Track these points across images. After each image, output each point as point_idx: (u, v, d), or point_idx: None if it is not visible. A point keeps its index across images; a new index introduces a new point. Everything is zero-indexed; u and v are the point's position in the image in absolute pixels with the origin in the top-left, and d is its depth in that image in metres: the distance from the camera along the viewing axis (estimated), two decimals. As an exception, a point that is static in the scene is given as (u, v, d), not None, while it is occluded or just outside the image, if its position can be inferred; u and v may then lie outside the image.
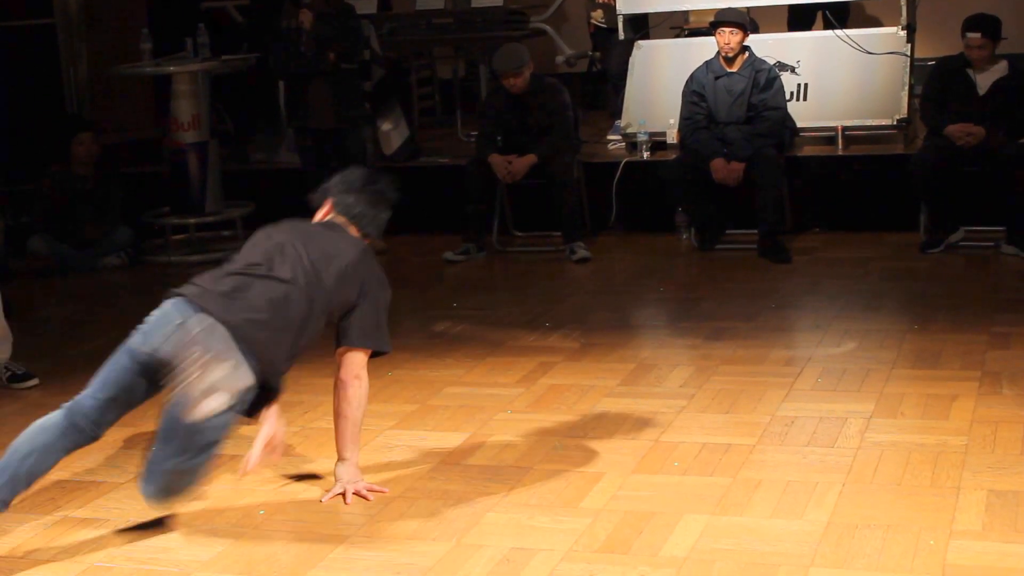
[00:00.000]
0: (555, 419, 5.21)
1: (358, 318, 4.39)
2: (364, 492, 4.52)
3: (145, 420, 5.43)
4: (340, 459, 4.55)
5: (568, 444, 4.93)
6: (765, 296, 6.93)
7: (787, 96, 8.12)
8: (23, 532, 4.42)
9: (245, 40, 10.56)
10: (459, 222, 8.37)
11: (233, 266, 4.39)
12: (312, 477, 4.76)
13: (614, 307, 7.06)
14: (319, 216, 4.64)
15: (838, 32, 8.67)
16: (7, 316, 6.36)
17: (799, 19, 9.79)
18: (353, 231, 4.55)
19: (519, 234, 8.69)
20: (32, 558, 4.23)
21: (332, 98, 8.38)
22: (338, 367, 4.44)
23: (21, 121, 9.97)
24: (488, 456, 4.85)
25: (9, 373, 6.20)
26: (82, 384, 6.12)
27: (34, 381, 6.19)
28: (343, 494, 4.51)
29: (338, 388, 4.45)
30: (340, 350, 4.42)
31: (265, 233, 4.54)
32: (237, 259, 4.43)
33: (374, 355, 4.47)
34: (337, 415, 4.48)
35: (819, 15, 9.67)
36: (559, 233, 8.23)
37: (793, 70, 8.61)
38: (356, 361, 4.41)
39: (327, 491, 4.56)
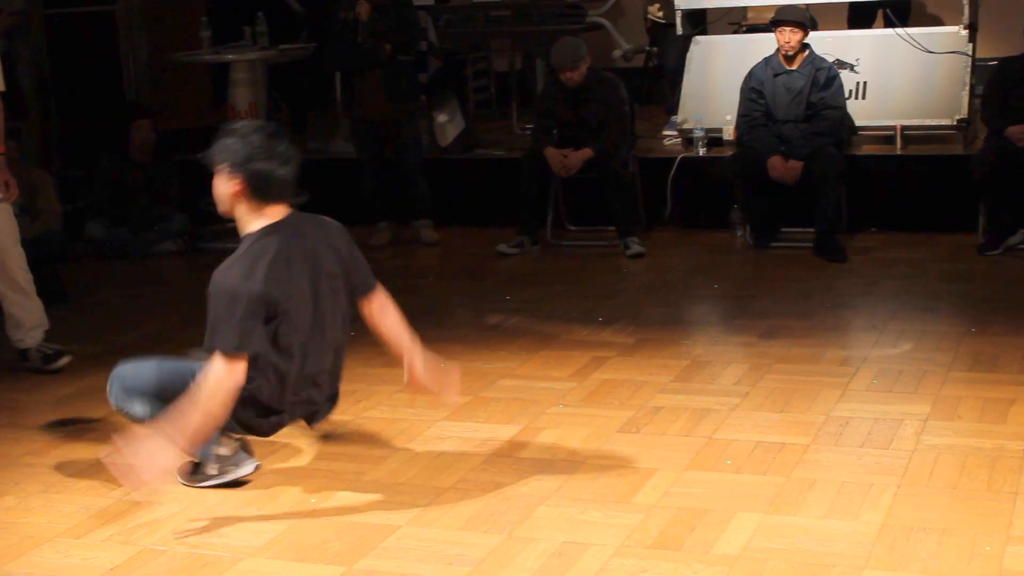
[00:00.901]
0: (608, 414, 5.19)
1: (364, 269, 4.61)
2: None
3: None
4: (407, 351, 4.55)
5: (621, 440, 4.91)
6: (820, 295, 6.88)
7: (846, 94, 8.06)
8: (77, 514, 4.46)
9: (303, 29, 10.60)
10: (513, 215, 8.36)
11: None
12: (365, 464, 4.76)
13: (668, 303, 7.04)
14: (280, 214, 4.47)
15: (899, 31, 8.59)
16: (63, 300, 6.40)
17: (860, 17, 9.72)
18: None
19: (573, 228, 8.68)
20: (86, 540, 4.26)
21: (388, 89, 8.39)
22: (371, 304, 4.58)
23: (80, 107, 10.06)
24: (540, 449, 4.85)
25: (43, 355, 6.17)
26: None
27: (68, 359, 6.16)
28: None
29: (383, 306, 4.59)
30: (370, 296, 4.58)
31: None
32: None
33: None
34: (390, 321, 4.58)
35: (880, 13, 9.61)
36: (613, 228, 8.21)
37: (853, 68, 8.53)
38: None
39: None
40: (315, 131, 10.17)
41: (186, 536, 4.24)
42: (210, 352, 4.25)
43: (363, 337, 4.79)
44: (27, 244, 7.88)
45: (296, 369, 4.39)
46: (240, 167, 4.34)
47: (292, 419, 4.55)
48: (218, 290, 4.32)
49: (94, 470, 4.86)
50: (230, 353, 4.21)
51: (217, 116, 9.62)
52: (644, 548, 3.99)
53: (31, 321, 6.14)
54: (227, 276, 4.33)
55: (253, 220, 4.44)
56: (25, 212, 8.09)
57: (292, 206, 4.49)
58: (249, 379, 4.27)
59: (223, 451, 4.54)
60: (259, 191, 4.37)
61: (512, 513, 4.28)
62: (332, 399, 4.64)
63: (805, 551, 3.91)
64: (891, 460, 4.56)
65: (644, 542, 4.03)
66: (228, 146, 4.37)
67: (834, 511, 4.17)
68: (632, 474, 4.55)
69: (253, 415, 4.43)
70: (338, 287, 4.48)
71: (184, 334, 6.77)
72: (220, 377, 4.20)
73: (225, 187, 4.39)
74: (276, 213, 4.42)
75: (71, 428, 5.38)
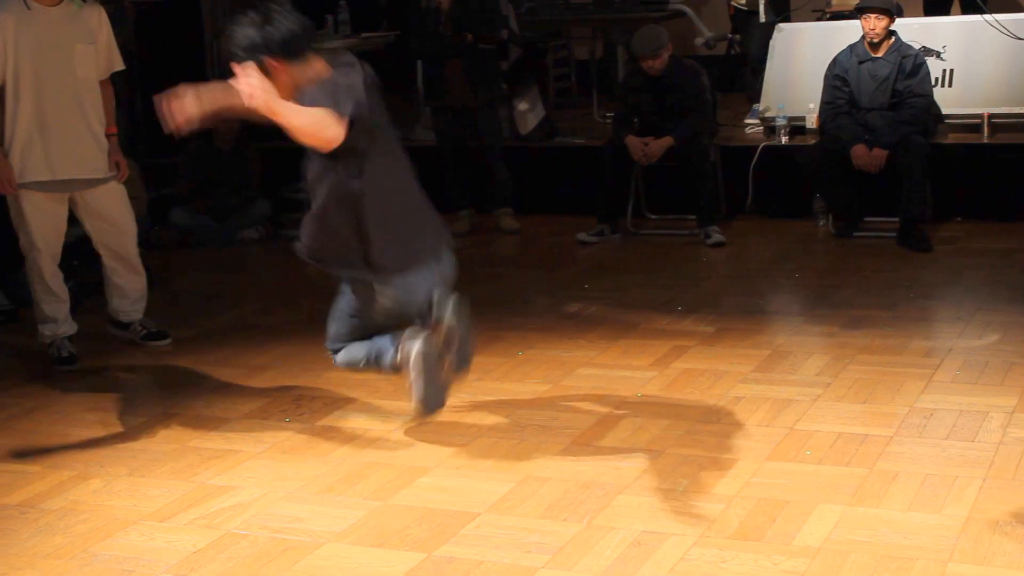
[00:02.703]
0: (688, 403, 5.17)
1: None
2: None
3: (283, 400, 5.54)
4: None
5: (701, 430, 4.89)
6: (904, 285, 6.79)
7: (932, 82, 7.95)
8: (162, 498, 4.52)
9: (385, 18, 10.64)
10: (593, 203, 8.34)
11: None
12: (444, 452, 4.78)
13: (749, 292, 6.99)
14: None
15: (986, 17, 8.45)
16: (148, 286, 6.52)
17: (937, 3, 9.58)
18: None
19: (653, 217, 8.64)
20: (170, 523, 4.32)
21: (469, 77, 8.39)
22: None
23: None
24: (620, 438, 4.84)
25: (144, 331, 6.40)
26: (216, 351, 6.28)
27: (167, 341, 6.40)
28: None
29: None
30: None
31: None
32: None
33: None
34: None
35: (956, 1, 9.47)
36: (694, 216, 8.16)
37: (939, 55, 8.42)
38: None
39: None
40: (396, 119, 10.15)
41: (268, 521, 4.28)
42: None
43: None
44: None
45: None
46: (269, 50, 4.38)
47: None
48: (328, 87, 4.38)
49: (178, 454, 4.93)
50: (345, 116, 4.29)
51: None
52: (724, 539, 3.97)
53: (136, 294, 6.38)
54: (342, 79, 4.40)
55: (305, 84, 4.43)
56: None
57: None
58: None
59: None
60: (296, 54, 4.42)
61: (591, 502, 4.28)
62: None
63: (888, 543, 3.87)
64: (976, 453, 4.50)
65: (724, 532, 4.01)
66: (248, 38, 4.40)
67: (918, 504, 4.12)
68: (712, 464, 4.53)
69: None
70: None
71: (266, 320, 6.86)
72: (331, 122, 4.28)
73: (266, 78, 4.34)
74: (320, 67, 4.48)
75: (156, 412, 5.44)
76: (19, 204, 5.96)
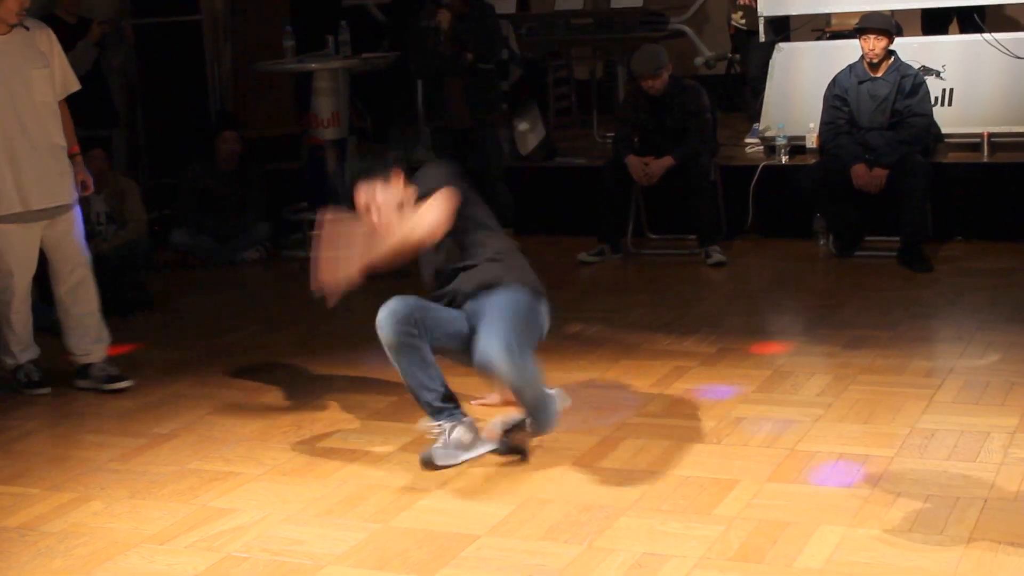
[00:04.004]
0: (689, 424, 5.16)
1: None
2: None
3: (283, 422, 5.54)
4: None
5: (702, 451, 4.88)
6: (905, 305, 6.79)
7: (932, 101, 7.95)
8: (162, 520, 4.51)
9: (386, 38, 10.66)
10: (594, 223, 8.34)
11: None
12: (445, 474, 4.77)
13: (750, 312, 6.99)
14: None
15: (986, 36, 8.47)
16: (149, 307, 6.49)
17: (934, 22, 9.60)
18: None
19: (654, 236, 8.64)
20: (170, 546, 4.31)
21: (469, 98, 8.40)
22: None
23: (166, 116, 10.19)
24: (621, 459, 4.83)
25: (105, 374, 6.13)
26: (217, 372, 6.28)
27: (128, 383, 6.11)
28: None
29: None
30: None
31: None
32: None
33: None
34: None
35: (956, 19, 9.47)
36: (694, 236, 8.17)
37: (938, 75, 8.43)
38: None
39: None
40: (397, 140, 10.21)
41: (268, 543, 4.27)
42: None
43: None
44: (113, 251, 8.06)
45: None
46: (395, 164, 4.88)
47: None
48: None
49: (179, 476, 4.92)
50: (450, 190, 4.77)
51: (300, 125, 9.73)
52: (725, 560, 3.96)
53: (95, 331, 6.15)
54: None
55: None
56: (112, 220, 8.24)
57: None
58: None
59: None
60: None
61: (592, 524, 4.27)
62: None
63: (889, 565, 3.86)
64: (978, 474, 4.49)
65: (725, 554, 4.00)
66: (372, 164, 4.92)
67: (919, 525, 4.11)
68: (713, 485, 4.52)
69: None
70: None
71: (268, 341, 6.85)
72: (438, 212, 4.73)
73: (395, 188, 4.84)
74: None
75: (157, 434, 5.44)
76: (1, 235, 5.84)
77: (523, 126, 9.39)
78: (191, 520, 4.50)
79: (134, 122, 10.24)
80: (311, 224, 9.10)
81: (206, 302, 8.00)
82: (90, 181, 6.11)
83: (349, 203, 4.86)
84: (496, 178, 8.58)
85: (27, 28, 5.85)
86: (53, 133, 5.90)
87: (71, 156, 6.01)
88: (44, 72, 5.87)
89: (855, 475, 4.54)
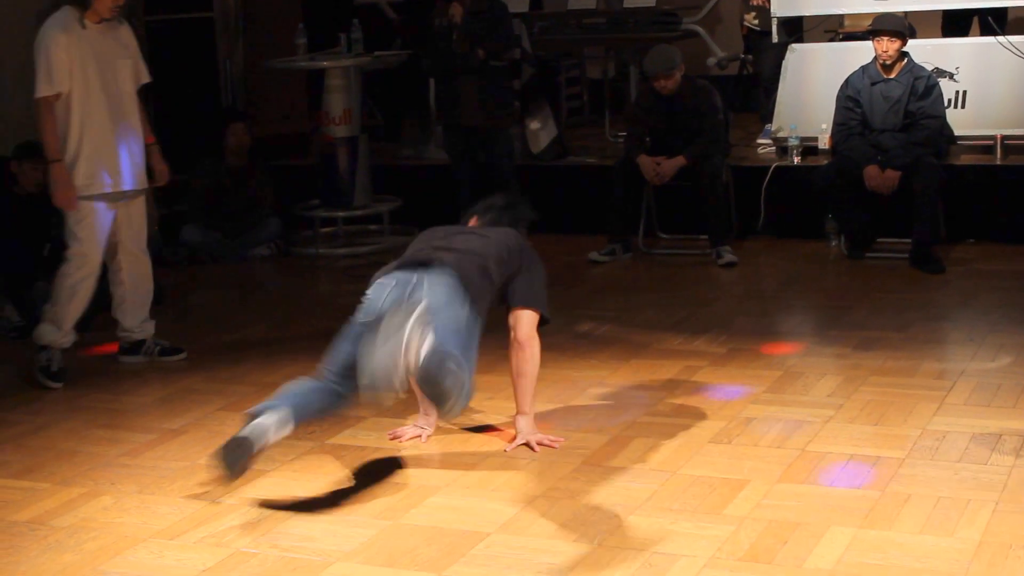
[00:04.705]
0: (699, 424, 5.16)
1: (524, 283, 4.80)
2: (546, 442, 4.93)
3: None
4: (520, 413, 4.92)
5: (712, 450, 4.87)
6: (917, 307, 6.78)
7: (945, 103, 7.93)
8: (172, 515, 4.51)
9: (398, 36, 10.65)
10: (605, 222, 8.34)
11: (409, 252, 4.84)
12: (455, 471, 4.77)
13: (760, 313, 6.98)
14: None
15: (1000, 38, 8.45)
16: (158, 303, 6.54)
17: (955, 24, 9.57)
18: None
19: (665, 236, 8.63)
20: (179, 541, 4.31)
21: (481, 96, 8.40)
22: (513, 330, 4.82)
23: (178, 112, 10.20)
24: (631, 458, 4.82)
25: (159, 347, 6.45)
26: (227, 369, 6.29)
27: (182, 355, 6.46)
28: (527, 444, 4.92)
29: (515, 348, 4.83)
30: (513, 312, 4.81)
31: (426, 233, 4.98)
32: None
33: (540, 324, 4.85)
34: (516, 374, 4.87)
35: (975, 21, 9.45)
36: (705, 236, 8.15)
37: (952, 77, 8.41)
38: (528, 321, 4.80)
39: (509, 443, 4.97)
40: (409, 138, 10.22)
41: (277, 540, 4.27)
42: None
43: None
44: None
45: None
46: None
47: None
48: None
49: (188, 471, 4.92)
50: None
51: (312, 123, 9.73)
52: (735, 560, 3.95)
53: (145, 308, 6.47)
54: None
55: None
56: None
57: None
58: None
59: None
60: None
61: (602, 522, 4.26)
62: None
63: (900, 567, 3.85)
64: (989, 476, 4.48)
65: (735, 554, 3.99)
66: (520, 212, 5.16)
67: (930, 527, 4.10)
68: (723, 485, 4.51)
69: None
70: None
71: (278, 337, 6.85)
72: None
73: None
74: None
75: (167, 429, 5.44)
76: (83, 216, 6.09)
77: (535, 125, 9.38)
78: (200, 516, 4.50)
79: (145, 119, 10.24)
80: (322, 221, 9.14)
81: (216, 298, 8.01)
82: (167, 171, 6.43)
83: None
84: (508, 177, 8.58)
85: (120, 20, 6.22)
86: (135, 121, 6.24)
87: (147, 146, 6.34)
88: (127, 63, 6.24)
89: (866, 476, 4.54)
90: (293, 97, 10.73)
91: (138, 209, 6.31)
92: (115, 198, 6.18)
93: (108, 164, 6.11)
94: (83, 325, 6.73)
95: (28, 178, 7.36)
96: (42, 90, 6.00)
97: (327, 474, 4.82)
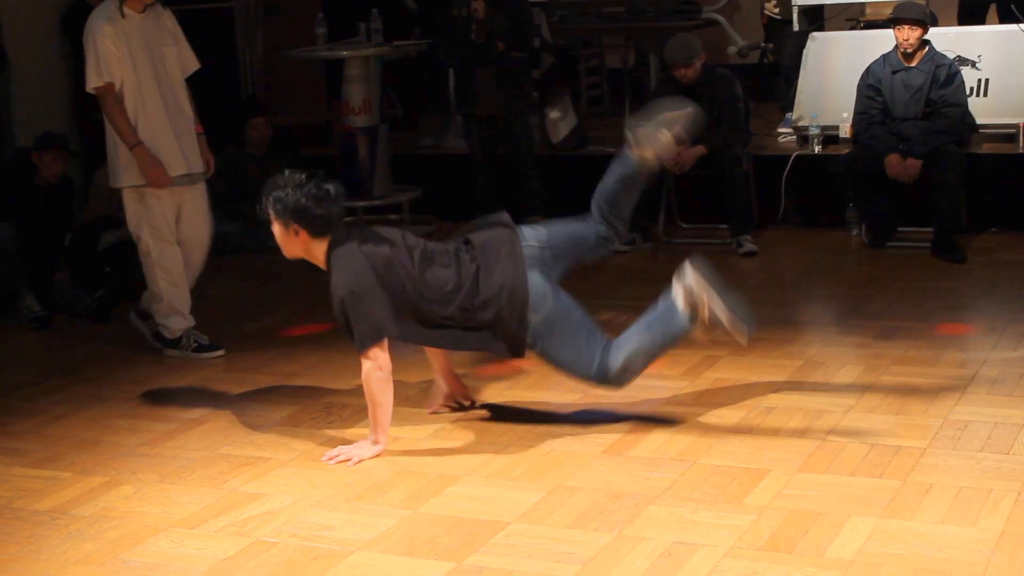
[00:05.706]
0: (720, 413, 5.15)
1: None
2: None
3: (313, 408, 5.53)
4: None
5: (732, 440, 4.86)
6: (938, 296, 6.75)
7: (967, 92, 7.89)
8: (192, 504, 4.52)
9: (417, 26, 10.65)
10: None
11: None
12: (475, 461, 4.77)
13: (781, 302, 6.95)
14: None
15: (1022, 26, 8.40)
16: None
17: (971, 12, 9.51)
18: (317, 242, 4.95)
19: (685, 225, 8.61)
20: (199, 530, 4.32)
21: (500, 86, 8.39)
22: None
23: (197, 102, 10.20)
24: (651, 448, 4.81)
25: (196, 344, 6.40)
26: (247, 358, 6.29)
27: (219, 352, 6.41)
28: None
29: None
30: None
31: None
32: None
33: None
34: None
35: (993, 8, 9.39)
36: (726, 226, 8.13)
37: (974, 65, 8.36)
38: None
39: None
40: (428, 127, 10.21)
41: (297, 529, 4.28)
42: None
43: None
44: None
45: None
46: (294, 216, 4.87)
47: None
48: (337, 290, 4.81)
49: (209, 461, 4.93)
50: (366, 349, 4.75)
51: (332, 112, 9.72)
52: (755, 550, 3.94)
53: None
54: (339, 280, 4.82)
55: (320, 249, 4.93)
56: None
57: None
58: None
59: None
60: (318, 230, 4.90)
61: (622, 512, 4.26)
62: None
63: (922, 557, 3.83)
64: (1012, 466, 4.46)
65: (756, 544, 3.98)
66: (280, 198, 4.91)
67: (952, 517, 4.09)
68: (744, 475, 4.50)
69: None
70: None
71: (296, 328, 6.85)
72: (368, 371, 4.75)
73: (286, 236, 4.93)
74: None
75: (187, 419, 5.45)
76: (154, 201, 6.15)
77: (554, 114, 9.36)
78: (221, 505, 4.51)
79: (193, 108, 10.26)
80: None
81: (237, 288, 8.01)
82: (212, 162, 6.46)
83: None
84: (527, 167, 8.57)
85: (162, 8, 6.25)
86: (188, 107, 6.32)
87: (197, 135, 6.38)
88: (173, 50, 6.28)
89: (887, 466, 4.52)
90: (312, 87, 10.73)
91: (197, 195, 6.34)
92: (181, 181, 6.21)
93: (164, 151, 6.13)
94: (100, 315, 6.76)
95: (49, 169, 7.38)
96: (92, 81, 6.05)
97: (347, 463, 4.82)
